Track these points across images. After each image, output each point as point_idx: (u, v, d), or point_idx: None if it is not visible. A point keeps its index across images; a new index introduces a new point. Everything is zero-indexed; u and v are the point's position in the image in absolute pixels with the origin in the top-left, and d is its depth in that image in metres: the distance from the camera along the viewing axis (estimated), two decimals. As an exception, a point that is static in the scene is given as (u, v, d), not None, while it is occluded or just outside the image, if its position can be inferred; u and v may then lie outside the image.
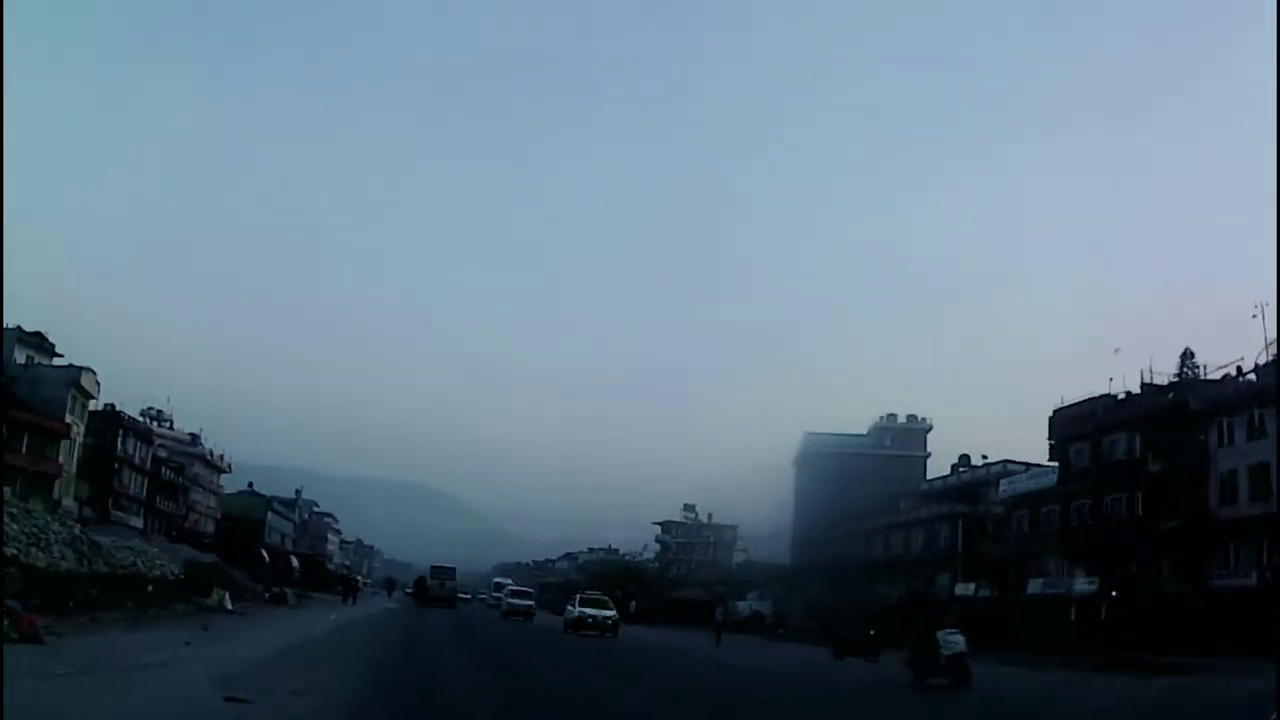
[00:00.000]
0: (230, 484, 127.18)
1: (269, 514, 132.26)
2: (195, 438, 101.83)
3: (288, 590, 37.02)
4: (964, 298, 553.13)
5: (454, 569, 67.73)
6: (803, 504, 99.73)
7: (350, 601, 48.84)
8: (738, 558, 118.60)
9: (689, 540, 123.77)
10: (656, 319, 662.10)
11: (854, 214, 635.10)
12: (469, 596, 76.26)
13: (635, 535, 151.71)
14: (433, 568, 67.56)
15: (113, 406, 70.39)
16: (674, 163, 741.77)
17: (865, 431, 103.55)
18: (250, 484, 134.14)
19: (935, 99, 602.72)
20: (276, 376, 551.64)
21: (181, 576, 32.33)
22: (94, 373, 63.57)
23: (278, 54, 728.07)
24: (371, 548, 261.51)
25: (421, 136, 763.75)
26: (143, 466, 75.41)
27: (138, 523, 69.92)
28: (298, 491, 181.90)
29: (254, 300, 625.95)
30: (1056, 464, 56.87)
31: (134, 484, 74.34)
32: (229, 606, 26.19)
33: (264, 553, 52.65)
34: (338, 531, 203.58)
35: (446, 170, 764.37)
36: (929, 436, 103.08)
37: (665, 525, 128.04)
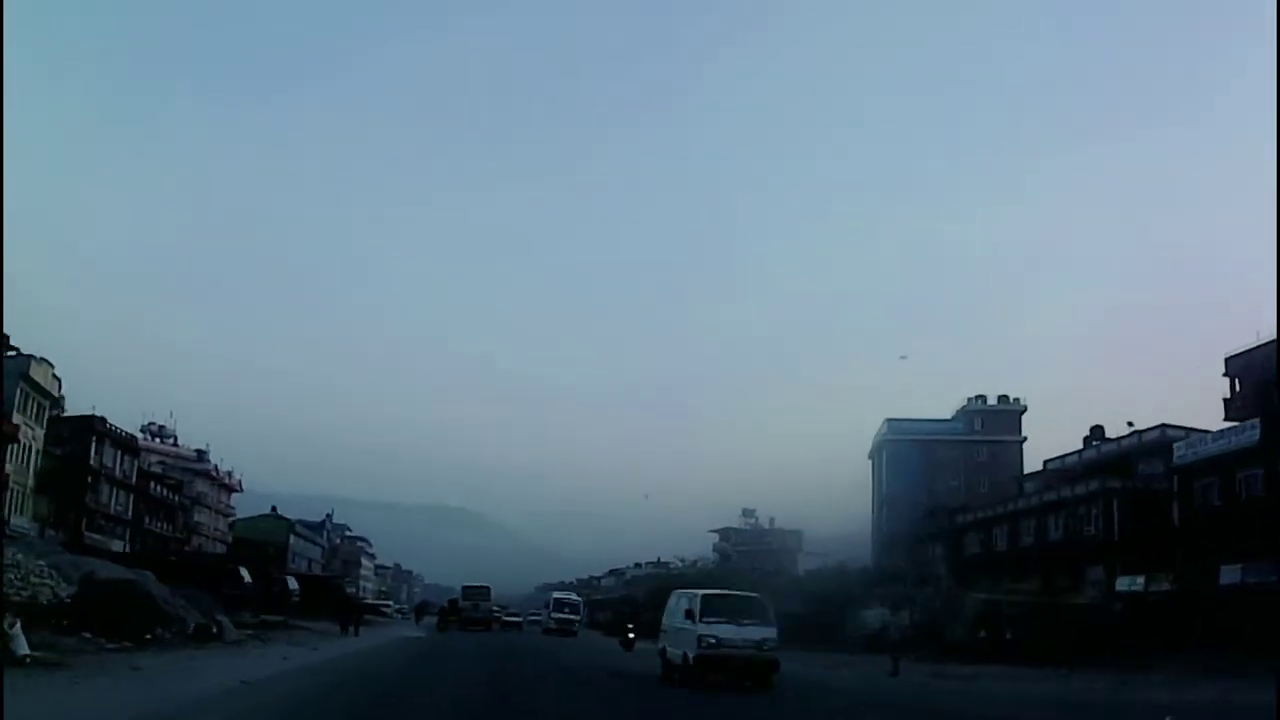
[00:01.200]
0: (251, 507, 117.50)
1: (291, 538, 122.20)
2: (201, 454, 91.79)
3: (225, 620, 25.35)
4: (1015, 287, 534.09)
5: (488, 587, 59.29)
6: (889, 499, 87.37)
7: (351, 632, 37.43)
8: (805, 564, 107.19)
9: (750, 547, 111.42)
10: (690, 326, 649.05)
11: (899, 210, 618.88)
12: (517, 619, 64.97)
13: (680, 547, 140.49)
14: (465, 588, 59.12)
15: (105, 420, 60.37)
16: (697, 160, 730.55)
17: (951, 416, 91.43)
18: (274, 508, 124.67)
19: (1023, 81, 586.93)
20: (306, 407, 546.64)
21: (67, 600, 21.10)
22: (50, 365, 53.07)
23: (319, 84, 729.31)
24: (410, 572, 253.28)
25: (443, 161, 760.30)
26: (126, 481, 64.88)
27: (120, 546, 59.40)
28: (328, 515, 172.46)
29: (281, 332, 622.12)
30: (1237, 423, 44.50)
31: (116, 501, 63.80)
32: (22, 650, 14.32)
33: (242, 571, 41.03)
34: (372, 556, 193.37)
35: (473, 194, 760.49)
36: (1023, 419, 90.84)
37: (723, 533, 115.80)
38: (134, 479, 66.28)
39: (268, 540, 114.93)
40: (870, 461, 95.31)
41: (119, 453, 63.55)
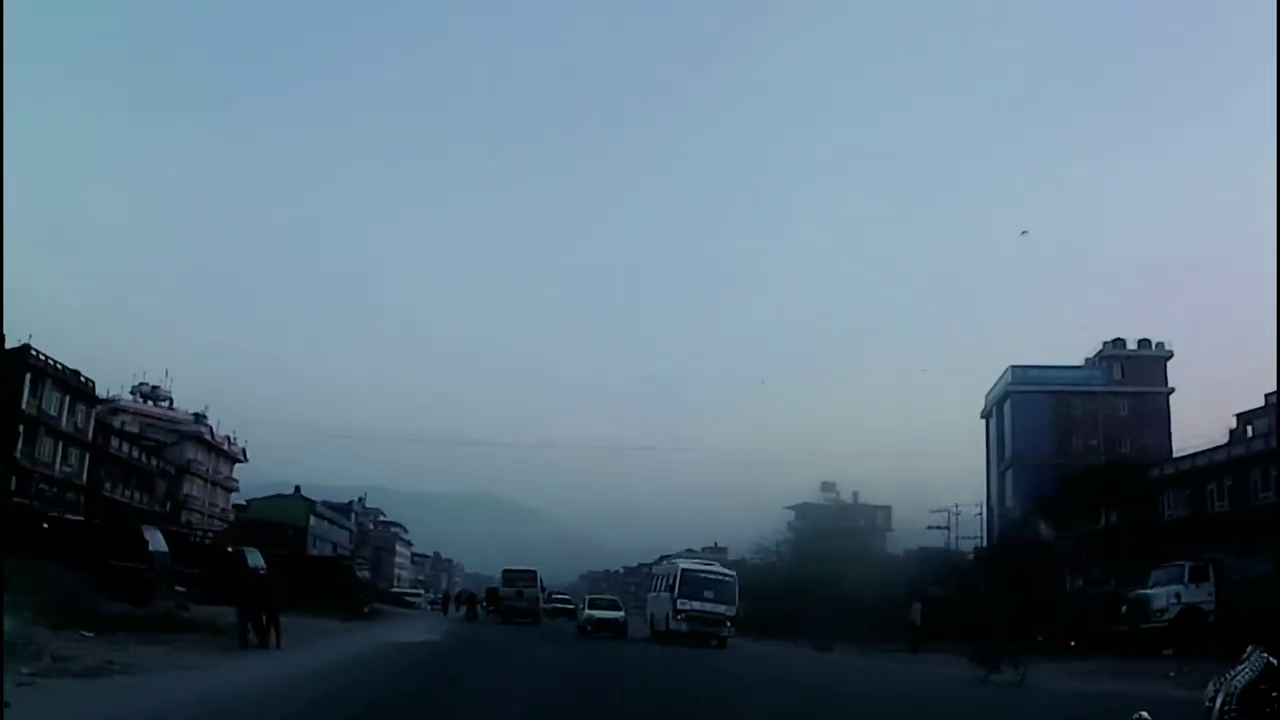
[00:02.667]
0: (266, 485, 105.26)
1: (313, 519, 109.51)
2: (199, 418, 78.82)
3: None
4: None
5: (534, 572, 48.59)
6: (1016, 460, 71.93)
7: (265, 642, 18.65)
8: (898, 544, 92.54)
9: (831, 526, 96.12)
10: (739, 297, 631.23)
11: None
12: (570, 604, 57.14)
13: (737, 532, 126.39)
14: (506, 572, 48.86)
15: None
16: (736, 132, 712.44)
17: (1082, 363, 75.93)
18: (297, 488, 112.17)
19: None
20: (342, 398, 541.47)
21: None
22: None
23: (362, 76, 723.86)
24: (450, 561, 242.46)
25: (467, 152, 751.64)
26: (80, 437, 51.75)
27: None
28: (359, 499, 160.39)
29: (317, 326, 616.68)
30: None
31: (64, 461, 50.68)
32: None
33: (149, 536, 25.44)
34: (408, 543, 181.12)
35: (504, 182, 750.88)
36: (1168, 366, 75.10)
37: (799, 509, 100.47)
38: (92, 435, 53.07)
39: (285, 522, 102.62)
40: (987, 422, 79.79)
41: (67, 398, 50.31)
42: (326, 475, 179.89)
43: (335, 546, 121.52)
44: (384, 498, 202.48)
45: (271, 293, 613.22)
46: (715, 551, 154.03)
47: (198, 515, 70.89)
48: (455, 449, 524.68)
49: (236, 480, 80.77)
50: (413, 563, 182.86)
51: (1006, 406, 74.75)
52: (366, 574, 58.23)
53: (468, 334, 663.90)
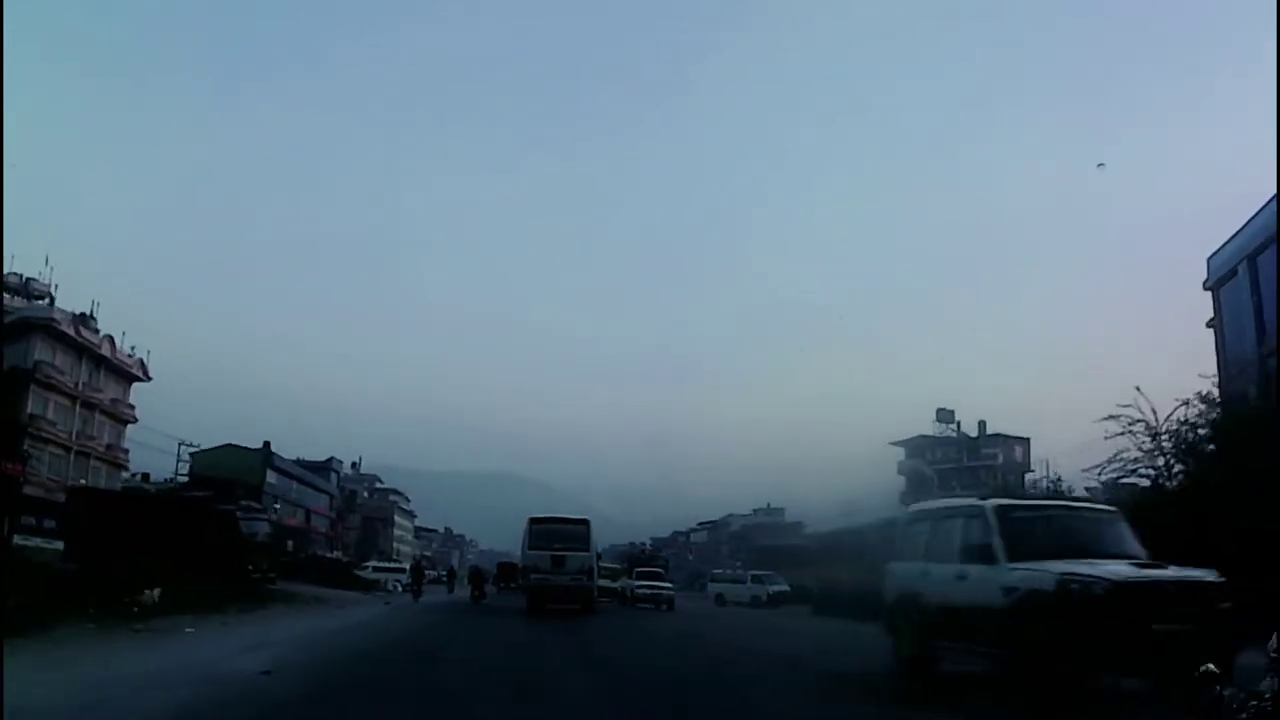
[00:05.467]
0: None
1: (272, 475, 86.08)
2: (83, 320, 54.20)
3: None
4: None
5: (586, 523, 27.77)
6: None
7: None
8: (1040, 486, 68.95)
9: (954, 464, 71.85)
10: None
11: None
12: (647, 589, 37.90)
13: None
14: (535, 523, 27.03)
15: None
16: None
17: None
18: (266, 442, 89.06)
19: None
20: (356, 376, 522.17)
21: None
22: None
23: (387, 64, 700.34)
24: (462, 536, 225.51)
25: (499, 136, 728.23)
26: None
27: None
28: (353, 464, 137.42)
29: (336, 307, 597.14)
30: None
31: None
32: None
33: None
34: (409, 514, 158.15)
35: (525, 166, 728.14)
36: None
37: (909, 445, 76.20)
38: None
39: (232, 479, 79.30)
40: (1215, 294, 55.06)
41: None
42: (339, 452, 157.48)
43: (309, 514, 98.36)
44: (397, 477, 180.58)
45: (298, 274, 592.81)
46: (769, 512, 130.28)
47: (58, 452, 46.97)
48: (473, 428, 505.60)
49: (132, 407, 56.64)
50: (416, 537, 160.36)
51: (1265, 261, 50.01)
52: (264, 526, 33.73)
53: (492, 313, 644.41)
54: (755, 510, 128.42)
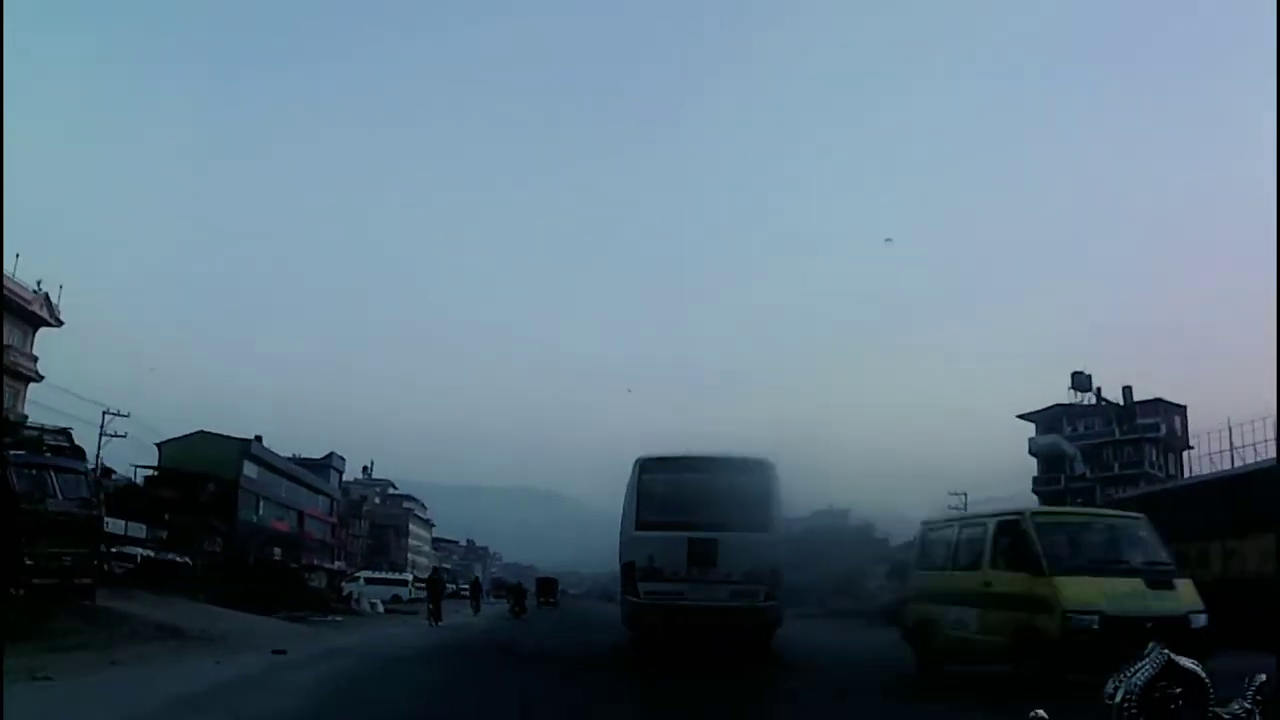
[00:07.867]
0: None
1: (251, 468, 72.32)
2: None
3: None
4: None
5: (765, 466, 13.30)
6: None
7: None
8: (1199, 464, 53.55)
9: (1097, 440, 56.50)
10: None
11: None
12: None
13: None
14: (643, 470, 13.38)
15: None
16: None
17: None
18: (258, 436, 76.30)
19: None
20: (380, 394, 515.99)
21: None
22: None
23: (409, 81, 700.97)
24: (485, 549, 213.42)
25: (506, 151, 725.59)
26: None
27: None
28: (365, 467, 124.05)
29: (356, 328, 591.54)
30: None
31: None
32: None
33: None
34: (427, 523, 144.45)
35: (539, 181, 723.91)
36: None
37: (1037, 418, 60.88)
38: None
39: (206, 472, 66.38)
40: None
41: None
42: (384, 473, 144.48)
43: (302, 517, 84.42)
44: (424, 493, 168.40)
45: (331, 298, 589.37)
46: (830, 514, 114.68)
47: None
48: (496, 444, 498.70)
49: (35, 359, 42.45)
50: (435, 548, 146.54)
51: None
52: (80, 484, 18.71)
53: (514, 333, 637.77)
54: (815, 512, 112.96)
